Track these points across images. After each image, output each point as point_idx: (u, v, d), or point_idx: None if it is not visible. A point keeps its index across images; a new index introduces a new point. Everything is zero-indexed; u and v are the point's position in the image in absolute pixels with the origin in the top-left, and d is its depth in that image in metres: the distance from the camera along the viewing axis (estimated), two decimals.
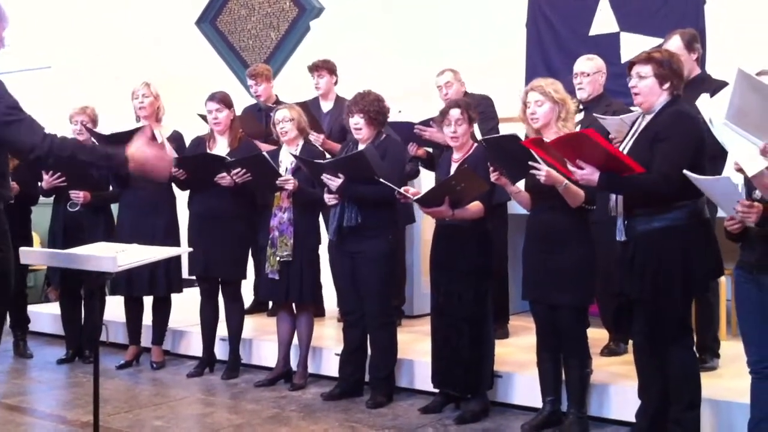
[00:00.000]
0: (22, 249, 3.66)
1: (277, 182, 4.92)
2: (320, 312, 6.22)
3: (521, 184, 4.20)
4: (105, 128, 5.57)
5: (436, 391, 4.65)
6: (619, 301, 4.67)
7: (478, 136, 4.66)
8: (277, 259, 4.98)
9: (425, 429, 4.34)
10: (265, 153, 5.03)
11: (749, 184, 3.27)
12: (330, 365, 5.21)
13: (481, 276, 4.41)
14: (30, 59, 9.29)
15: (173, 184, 5.53)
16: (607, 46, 6.47)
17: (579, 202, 3.95)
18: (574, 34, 6.88)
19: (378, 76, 6.71)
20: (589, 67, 5.00)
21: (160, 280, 5.49)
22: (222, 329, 5.52)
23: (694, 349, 3.87)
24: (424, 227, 5.82)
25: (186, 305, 5.87)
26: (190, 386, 5.28)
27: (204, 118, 5.61)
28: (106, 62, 9.14)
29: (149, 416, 4.63)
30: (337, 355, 5.02)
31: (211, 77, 8.43)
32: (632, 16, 6.62)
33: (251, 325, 5.86)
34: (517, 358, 4.87)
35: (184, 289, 5.73)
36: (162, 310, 5.72)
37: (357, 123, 4.69)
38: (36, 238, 7.08)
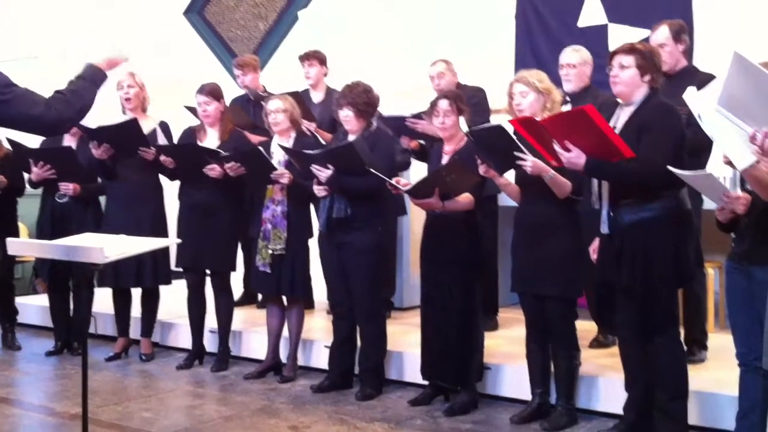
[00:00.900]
0: (9, 240, 3.66)
1: (272, 176, 4.90)
2: (309, 304, 6.21)
3: (511, 177, 4.21)
4: (91, 120, 5.54)
5: (426, 383, 4.66)
6: (599, 293, 4.70)
7: (465, 130, 4.66)
8: (269, 252, 4.96)
9: (414, 421, 4.35)
10: (260, 147, 4.99)
11: (741, 176, 3.29)
12: (319, 357, 5.22)
13: (470, 268, 4.42)
14: (16, 49, 9.22)
15: (160, 175, 5.52)
16: (596, 38, 6.47)
17: (566, 192, 3.96)
18: (563, 25, 6.87)
19: (366, 67, 6.69)
20: (575, 59, 4.99)
21: (148, 272, 5.47)
22: (211, 321, 5.51)
23: (681, 340, 3.90)
24: (414, 219, 5.82)
25: (175, 297, 5.85)
26: (179, 378, 5.27)
27: (191, 110, 5.59)
28: (93, 52, 9.06)
29: (138, 408, 4.62)
30: (327, 347, 5.02)
31: (199, 68, 8.39)
32: (620, 7, 6.61)
33: (241, 317, 5.85)
34: (506, 350, 4.89)
35: (173, 281, 5.71)
36: (150, 302, 5.70)
37: (346, 115, 4.69)
38: (23, 229, 7.04)
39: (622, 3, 6.63)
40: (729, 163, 3.14)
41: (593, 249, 3.91)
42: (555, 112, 4.07)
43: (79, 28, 9.17)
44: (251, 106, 6.02)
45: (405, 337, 5.17)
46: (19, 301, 6.48)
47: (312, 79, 6.06)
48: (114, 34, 8.95)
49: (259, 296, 6.21)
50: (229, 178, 5.10)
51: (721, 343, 4.38)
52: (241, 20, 8.95)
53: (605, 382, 4.30)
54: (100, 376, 5.23)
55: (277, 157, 5.02)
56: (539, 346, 4.20)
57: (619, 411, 3.96)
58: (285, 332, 5.22)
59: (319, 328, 5.70)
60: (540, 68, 4.66)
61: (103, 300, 5.89)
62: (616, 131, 3.70)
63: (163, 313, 5.85)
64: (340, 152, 4.58)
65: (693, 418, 3.86)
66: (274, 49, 8.58)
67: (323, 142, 5.35)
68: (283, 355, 5.24)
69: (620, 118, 3.76)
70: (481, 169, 4.10)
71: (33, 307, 6.76)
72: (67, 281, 5.92)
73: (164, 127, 5.59)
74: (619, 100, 3.84)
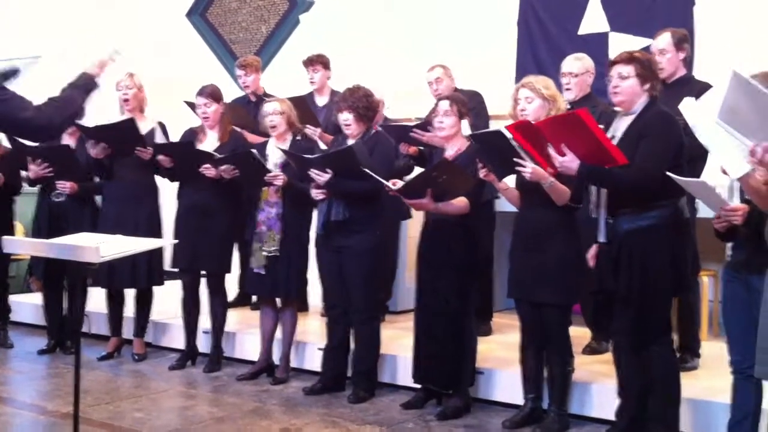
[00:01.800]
0: (5, 238, 3.65)
1: (266, 178, 4.90)
2: (304, 307, 6.21)
3: (511, 182, 4.20)
4: (89, 120, 5.54)
5: (418, 386, 4.65)
6: (596, 300, 4.70)
7: (467, 134, 4.66)
8: (264, 254, 4.96)
9: (406, 424, 4.34)
10: (253, 150, 4.99)
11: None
12: (312, 360, 5.21)
13: (466, 272, 4.41)
14: (19, 49, 9.22)
15: (158, 176, 5.52)
16: (596, 46, 6.48)
17: (564, 200, 3.95)
18: (564, 32, 6.89)
19: (367, 71, 6.69)
20: (576, 68, 4.99)
21: (142, 273, 5.46)
22: (205, 322, 5.50)
23: (675, 347, 3.89)
24: (411, 223, 5.81)
25: (168, 297, 5.84)
26: (172, 379, 5.26)
27: (190, 105, 5.60)
28: (96, 53, 9.07)
29: (130, 408, 4.61)
30: (320, 349, 5.01)
31: (201, 70, 8.39)
32: (621, 16, 6.63)
33: (234, 318, 5.84)
34: (499, 354, 4.88)
35: (166, 282, 5.70)
36: (144, 302, 5.69)
37: (346, 119, 4.69)
38: (20, 227, 7.03)
39: (623, 11, 6.64)
40: (725, 172, 3.14)
41: (591, 256, 3.91)
42: None
43: (80, 28, 9.18)
44: (252, 107, 6.02)
45: (398, 341, 5.16)
46: (13, 299, 6.47)
47: (317, 83, 6.07)
48: (114, 35, 8.98)
49: (254, 298, 6.20)
50: (225, 180, 5.10)
51: (713, 351, 4.38)
52: (243, 23, 8.96)
53: (598, 388, 4.30)
54: (92, 376, 5.22)
55: (273, 159, 5.01)
56: (534, 351, 4.19)
57: (612, 417, 3.95)
58: (278, 334, 5.21)
59: (312, 330, 5.68)
60: (541, 75, 4.66)
61: (96, 299, 5.88)
62: (616, 140, 3.70)
63: (156, 314, 5.84)
64: (339, 156, 4.58)
65: (685, 425, 3.85)
66: (275, 52, 8.60)
67: (323, 146, 5.35)
68: (276, 356, 5.23)
69: (620, 127, 3.76)
70: (482, 173, 4.09)
71: (27, 305, 6.74)
72: (62, 280, 5.91)
73: (162, 127, 5.59)
74: (618, 109, 3.83)
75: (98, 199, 5.82)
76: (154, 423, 4.38)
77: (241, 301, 6.39)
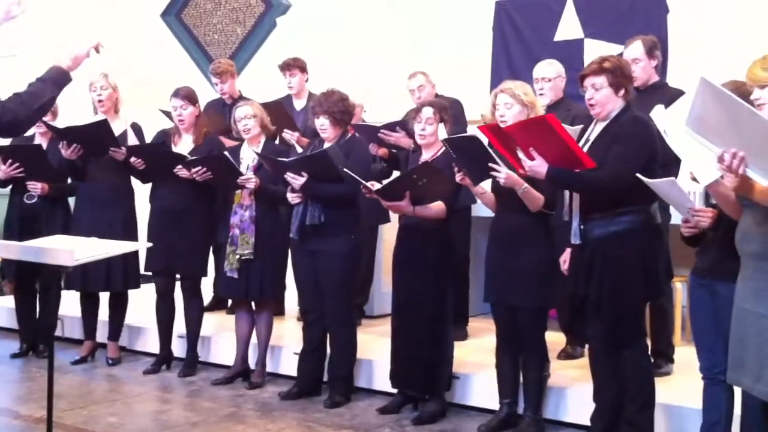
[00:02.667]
0: None
1: (239, 181, 4.88)
2: (280, 311, 6.19)
3: (487, 186, 4.22)
4: (63, 120, 5.50)
5: (395, 391, 4.65)
6: (571, 304, 4.72)
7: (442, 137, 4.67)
8: (237, 257, 4.94)
9: (383, 429, 4.35)
10: (225, 152, 4.97)
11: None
12: (288, 364, 5.20)
13: (441, 277, 4.42)
14: None
15: (132, 177, 5.48)
16: (571, 52, 6.53)
17: (538, 206, 3.98)
18: (540, 39, 6.93)
19: (343, 75, 6.69)
20: (549, 72, 5.04)
21: (117, 276, 5.42)
22: (180, 326, 5.47)
23: (649, 352, 3.93)
24: (387, 227, 5.82)
25: (143, 301, 5.81)
26: (146, 383, 5.22)
27: (166, 113, 5.56)
28: (71, 46, 8.99)
29: (104, 413, 4.58)
30: (296, 354, 5.00)
31: (175, 71, 8.34)
32: (596, 23, 6.69)
33: (210, 322, 5.81)
34: (476, 359, 4.89)
35: (142, 285, 5.66)
36: (118, 306, 5.65)
37: (322, 124, 4.68)
38: None
39: (598, 18, 6.70)
40: (695, 179, 3.18)
41: (563, 260, 3.94)
42: None
43: (57, 27, 9.09)
44: (227, 110, 5.99)
45: (375, 345, 5.16)
46: None
47: (295, 87, 6.04)
48: (86, 33, 8.91)
49: (229, 302, 6.17)
50: (199, 182, 5.07)
51: (687, 356, 4.41)
52: (218, 24, 8.93)
53: (573, 393, 4.33)
54: (65, 380, 5.17)
55: (246, 162, 5.00)
56: (510, 356, 4.21)
57: (587, 422, 3.98)
58: (254, 338, 5.19)
59: (289, 334, 5.67)
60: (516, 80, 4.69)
61: (70, 302, 5.82)
62: (589, 143, 3.73)
63: (130, 317, 5.79)
64: (314, 159, 4.57)
65: (659, 430, 3.89)
66: (251, 55, 8.57)
67: (299, 149, 5.34)
68: (252, 361, 5.21)
69: (595, 131, 3.79)
70: (458, 177, 4.11)
71: None
72: (34, 282, 5.85)
73: (136, 128, 5.55)
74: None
75: (71, 200, 5.77)
76: (128, 428, 4.35)
77: (217, 305, 6.36)
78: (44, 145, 5.68)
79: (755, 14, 5.99)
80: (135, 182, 5.58)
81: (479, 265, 4.68)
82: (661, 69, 4.95)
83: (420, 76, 5.53)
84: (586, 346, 4.29)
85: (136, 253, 5.46)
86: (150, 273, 5.45)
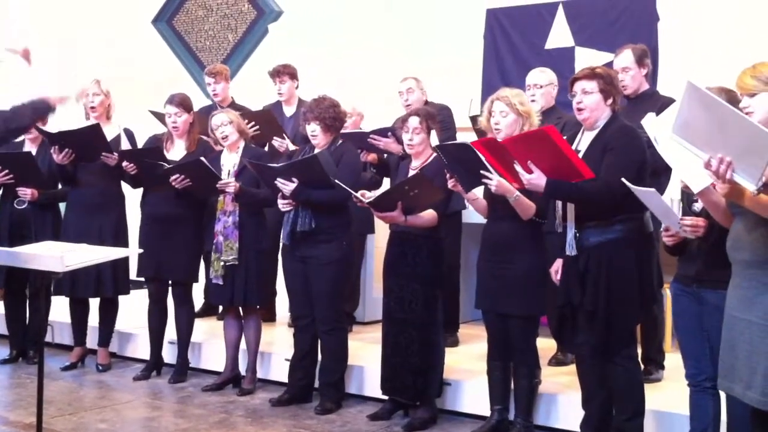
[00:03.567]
0: None
1: (218, 185, 4.88)
2: (271, 317, 6.19)
3: (480, 192, 4.23)
4: (55, 126, 5.48)
5: (385, 398, 4.65)
6: (561, 313, 4.73)
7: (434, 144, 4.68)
8: (221, 263, 4.93)
9: None
10: (202, 158, 4.96)
11: (688, 198, 3.34)
12: (279, 371, 5.19)
13: (432, 283, 4.43)
14: None
15: (122, 182, 5.47)
16: (562, 60, 6.56)
17: (530, 214, 3.99)
18: (531, 46, 6.96)
19: (334, 81, 6.71)
20: (541, 80, 5.06)
21: (107, 282, 5.40)
22: (171, 332, 5.45)
23: (639, 359, 3.94)
24: (379, 234, 5.82)
25: (134, 307, 5.79)
26: (136, 389, 5.21)
27: (156, 114, 5.55)
28: (62, 59, 8.98)
29: (93, 419, 4.56)
30: (287, 360, 5.00)
31: (167, 77, 8.35)
32: (587, 31, 6.73)
33: (201, 328, 5.79)
34: (466, 366, 4.90)
35: (132, 291, 5.65)
36: (108, 312, 5.63)
37: (314, 130, 4.69)
38: None
39: (588, 27, 6.74)
40: (686, 188, 3.19)
41: (554, 270, 3.95)
42: None
43: (48, 35, 9.08)
44: None
45: (365, 352, 5.16)
46: None
47: (284, 94, 6.05)
48: (78, 39, 8.90)
49: (220, 308, 6.16)
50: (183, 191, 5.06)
51: (677, 363, 4.38)
52: (210, 31, 8.93)
53: (564, 399, 4.33)
54: (55, 386, 5.15)
55: (227, 168, 5.01)
56: (501, 363, 4.22)
57: (577, 428, 3.98)
58: (244, 344, 5.18)
59: (280, 341, 5.66)
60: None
61: (60, 308, 5.80)
62: (580, 154, 3.74)
63: (120, 323, 5.78)
64: (305, 165, 4.57)
65: None
66: (243, 61, 8.57)
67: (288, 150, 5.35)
68: (242, 367, 5.20)
69: (583, 141, 3.81)
70: (450, 183, 4.11)
71: None
72: (24, 289, 5.82)
73: (128, 133, 5.55)
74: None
75: (61, 206, 5.75)
76: None
77: (208, 311, 6.34)
78: (34, 152, 5.67)
79: (745, 22, 6.04)
80: (125, 188, 5.57)
81: (470, 272, 4.69)
82: (652, 77, 4.98)
83: (411, 80, 5.54)
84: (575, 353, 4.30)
85: (126, 259, 5.43)
86: (141, 279, 5.43)
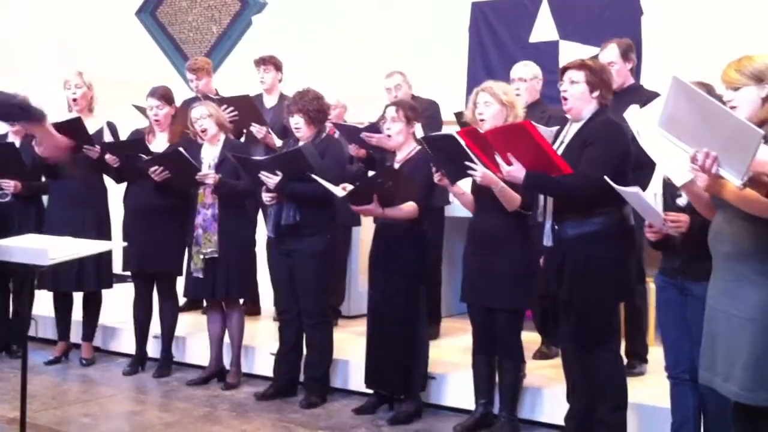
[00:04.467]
0: None
1: (197, 177, 4.86)
2: (256, 311, 6.18)
3: (466, 187, 4.23)
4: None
5: (370, 392, 4.66)
6: (543, 305, 4.75)
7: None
8: (201, 257, 4.92)
9: (358, 429, 4.35)
10: (181, 149, 4.94)
11: (671, 192, 3.36)
12: (264, 365, 5.18)
13: (415, 277, 4.44)
14: None
15: (105, 176, 5.44)
16: (547, 54, 6.57)
17: (515, 206, 4.00)
18: (515, 40, 6.97)
19: (319, 74, 6.69)
20: (526, 73, 5.07)
21: (90, 275, 5.38)
22: (155, 326, 5.43)
23: (622, 353, 3.96)
24: (364, 228, 5.82)
25: (118, 301, 5.77)
26: (121, 384, 5.19)
27: (139, 108, 5.52)
28: (44, 51, 8.92)
29: (77, 413, 4.54)
30: (272, 354, 4.99)
31: (150, 69, 8.29)
32: (571, 25, 6.74)
33: (185, 322, 5.78)
34: (451, 359, 4.91)
35: (115, 285, 5.62)
36: (92, 306, 5.60)
37: (297, 123, 4.68)
38: None
39: (573, 20, 6.75)
40: (669, 180, 3.20)
41: (543, 261, 3.96)
42: None
43: (30, 26, 9.01)
44: None
45: (351, 345, 5.16)
46: None
47: (267, 83, 6.04)
48: (61, 30, 8.83)
49: (204, 302, 6.14)
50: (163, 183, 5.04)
51: (661, 357, 4.40)
52: (193, 22, 8.88)
53: (548, 393, 4.35)
54: (39, 380, 5.13)
55: (207, 161, 4.99)
56: (486, 356, 4.22)
57: (562, 422, 4.00)
58: (228, 338, 5.17)
59: (265, 334, 5.65)
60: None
61: (43, 302, 5.77)
62: (563, 146, 3.75)
63: (104, 318, 5.75)
64: (289, 158, 4.56)
65: (631, 430, 3.91)
66: (226, 53, 8.54)
67: (275, 145, 5.34)
68: (227, 361, 5.19)
69: (568, 133, 3.82)
70: (436, 177, 4.12)
71: None
72: (7, 282, 5.78)
73: (111, 126, 5.51)
74: (568, 116, 3.89)
75: (45, 198, 5.72)
76: (102, 428, 4.32)
77: (192, 305, 6.32)
78: (17, 143, 5.62)
79: (729, 17, 6.06)
80: (108, 181, 5.53)
81: (453, 266, 4.69)
82: (636, 71, 5.00)
83: (397, 75, 5.54)
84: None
85: (109, 253, 5.41)
86: (126, 273, 5.41)
